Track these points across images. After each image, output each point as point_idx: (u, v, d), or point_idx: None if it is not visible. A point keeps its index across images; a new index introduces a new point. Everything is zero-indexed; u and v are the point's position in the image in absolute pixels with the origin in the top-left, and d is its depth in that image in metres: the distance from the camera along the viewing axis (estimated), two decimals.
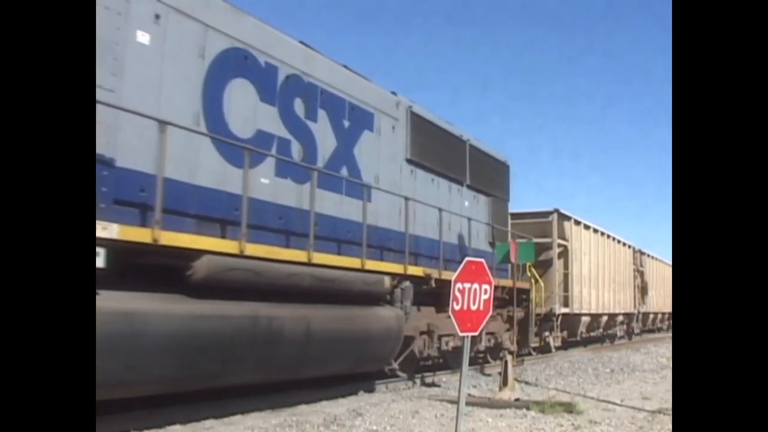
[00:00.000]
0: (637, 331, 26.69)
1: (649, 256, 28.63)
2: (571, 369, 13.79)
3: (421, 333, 10.69)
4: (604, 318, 21.54)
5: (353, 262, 8.70)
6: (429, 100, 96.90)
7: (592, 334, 20.99)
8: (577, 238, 18.89)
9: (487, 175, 13.54)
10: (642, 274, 27.06)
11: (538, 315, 15.61)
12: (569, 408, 7.77)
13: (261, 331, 7.11)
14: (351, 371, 9.29)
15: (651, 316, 29.66)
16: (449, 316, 10.74)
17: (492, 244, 13.24)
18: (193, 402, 7.18)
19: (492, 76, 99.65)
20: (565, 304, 17.87)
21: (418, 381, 10.97)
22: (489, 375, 12.52)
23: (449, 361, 12.29)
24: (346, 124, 9.37)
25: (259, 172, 7.61)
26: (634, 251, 26.10)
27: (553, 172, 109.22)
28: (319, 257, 8.01)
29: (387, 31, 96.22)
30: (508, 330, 13.72)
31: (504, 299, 13.30)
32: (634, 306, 25.54)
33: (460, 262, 10.20)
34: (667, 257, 31.91)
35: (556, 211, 17.99)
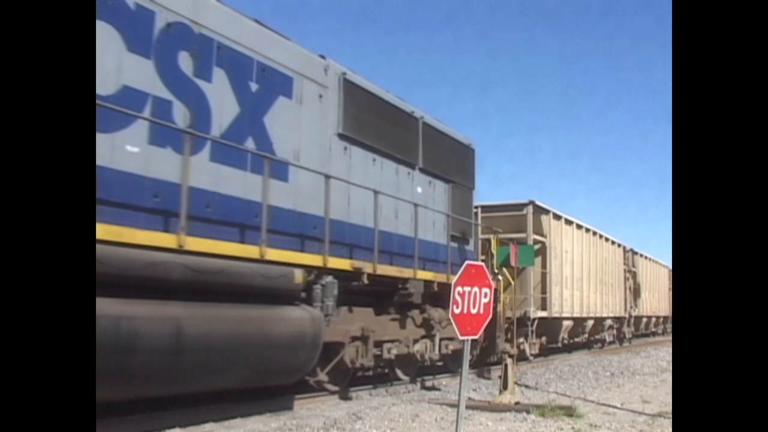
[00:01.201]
0: (628, 336, 25.37)
1: (641, 256, 27.10)
2: (571, 372, 13.78)
3: (354, 339, 9.05)
4: (590, 322, 19.92)
5: (246, 250, 7.08)
6: (429, 100, 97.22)
7: (576, 339, 19.41)
8: (557, 233, 17.15)
9: (447, 159, 11.78)
10: (634, 275, 25.69)
11: (508, 319, 13.68)
12: (569, 412, 7.78)
13: (102, 335, 5.20)
14: (249, 385, 7.67)
15: (644, 319, 28.08)
16: (395, 319, 10.11)
17: (453, 237, 11.71)
18: (193, 405, 7.18)
19: (492, 76, 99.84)
20: (543, 307, 16.13)
21: (418, 384, 10.96)
22: (489, 379, 12.51)
23: (393, 373, 10.93)
24: (254, 87, 7.73)
25: (123, 137, 6.08)
26: (625, 251, 24.71)
27: (553, 172, 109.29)
28: (195, 243, 6.42)
29: (387, 31, 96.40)
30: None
31: None
32: (625, 309, 24.21)
33: (412, 256, 10.10)
34: (666, 258, 31.52)
35: (531, 203, 15.96)
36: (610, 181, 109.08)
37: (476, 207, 14.09)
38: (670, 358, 16.85)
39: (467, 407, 7.22)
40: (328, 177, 8.35)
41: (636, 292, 25.77)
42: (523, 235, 15.58)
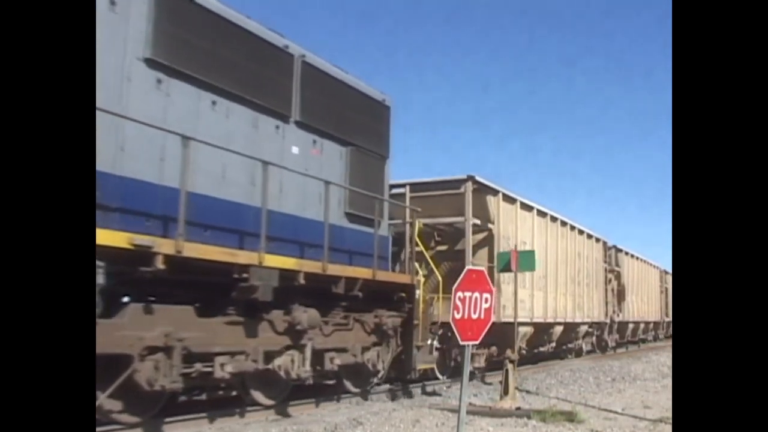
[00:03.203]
0: (612, 343, 22.64)
1: (627, 254, 24.17)
2: (572, 378, 13.76)
3: (150, 351, 6.23)
4: (558, 329, 16.71)
5: None
6: (429, 100, 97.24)
7: (540, 349, 16.32)
8: (510, 220, 13.96)
9: (343, 115, 9.25)
10: (618, 275, 22.82)
11: (434, 324, 11.05)
12: (570, 417, 7.77)
13: None
14: None
15: (630, 325, 24.92)
16: (236, 323, 7.14)
17: (354, 217, 9.26)
18: (194, 412, 7.17)
19: (492, 76, 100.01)
20: None
21: (419, 390, 10.94)
22: (490, 384, 12.49)
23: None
24: None
25: None
26: (607, 247, 21.63)
27: (553, 172, 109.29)
28: None
29: (387, 31, 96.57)
30: (375, 344, 9.50)
31: (373, 300, 9.31)
32: (606, 314, 21.19)
33: (286, 240, 7.71)
34: (660, 258, 30.20)
35: (470, 178, 12.54)
36: (610, 181, 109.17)
37: (403, 185, 12.44)
38: (671, 363, 16.81)
39: (468, 412, 7.22)
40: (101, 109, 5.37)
41: (620, 295, 23.02)
42: (461, 219, 12.53)
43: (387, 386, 10.61)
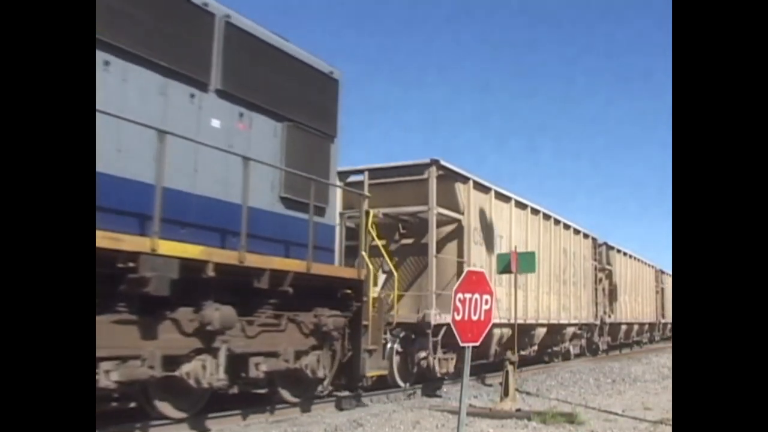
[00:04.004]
0: (603, 346, 21.42)
1: (619, 251, 22.99)
2: (572, 379, 13.76)
3: None
4: (541, 331, 15.33)
5: None
6: (429, 101, 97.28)
7: (521, 352, 14.08)
8: (485, 210, 12.61)
9: (278, 85, 8.04)
10: (609, 274, 21.75)
11: (389, 325, 9.92)
12: (571, 418, 7.77)
13: None
14: None
15: (623, 327, 23.54)
16: (125, 322, 5.96)
17: (293, 203, 7.97)
18: (193, 414, 7.16)
19: (492, 76, 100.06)
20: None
21: (419, 391, 10.94)
22: (490, 385, 12.49)
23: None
24: None
25: None
26: (597, 244, 20.34)
27: (553, 172, 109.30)
28: None
29: (387, 31, 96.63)
30: (315, 348, 8.26)
31: (312, 297, 8.16)
32: (596, 315, 19.89)
33: (201, 226, 6.66)
34: (660, 258, 29.63)
35: (435, 163, 11.12)
36: (610, 181, 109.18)
37: (362, 170, 11.31)
38: (671, 365, 16.80)
39: (468, 414, 7.21)
40: None
41: (612, 295, 21.91)
42: (424, 208, 11.06)
43: (335, 396, 9.21)
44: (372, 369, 8.94)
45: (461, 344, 5.92)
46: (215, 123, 7.23)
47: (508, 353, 12.18)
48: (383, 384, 10.30)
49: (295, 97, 8.25)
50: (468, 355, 6.05)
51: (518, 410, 8.60)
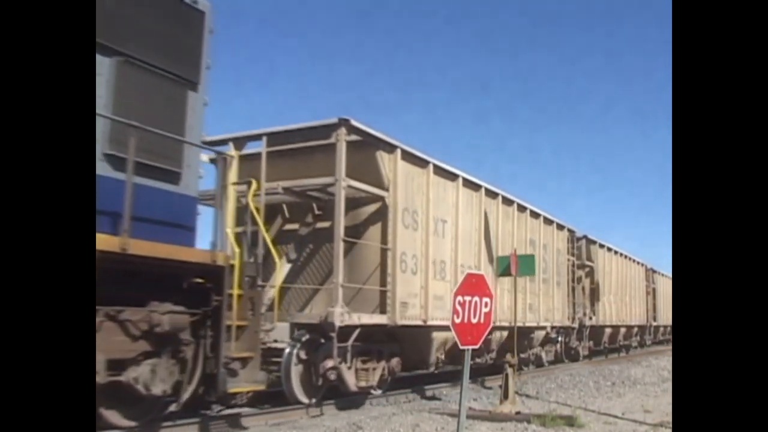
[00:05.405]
0: (584, 352, 19.15)
1: (602, 246, 20.48)
2: (572, 382, 13.75)
3: None
4: (499, 334, 12.95)
5: None
6: (429, 101, 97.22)
7: (478, 359, 12.39)
8: (418, 188, 10.21)
9: (107, 7, 5.80)
10: (591, 271, 19.50)
11: (267, 327, 8.04)
12: (570, 421, 7.77)
13: None
14: None
15: (607, 330, 21.20)
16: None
17: (118, 161, 5.73)
18: (193, 416, 7.16)
19: (492, 76, 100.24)
20: (382, 309, 9.32)
21: (418, 394, 10.93)
22: (490, 388, 12.47)
23: None
24: None
25: None
26: (574, 237, 17.82)
27: (553, 172, 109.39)
28: None
29: (387, 31, 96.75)
30: (149, 355, 6.15)
31: (149, 288, 6.15)
32: (574, 317, 17.75)
33: None
34: (661, 259, 28.67)
35: (344, 123, 8.73)
36: (610, 181, 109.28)
37: (259, 135, 8.98)
38: (671, 367, 16.78)
39: (468, 417, 7.21)
40: None
41: (594, 295, 19.64)
42: (330, 180, 8.80)
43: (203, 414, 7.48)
44: (239, 383, 6.76)
45: (461, 347, 5.95)
46: None
47: (508, 356, 12.16)
48: (282, 400, 8.49)
49: (134, 27, 6.23)
50: (467, 358, 6.06)
51: (518, 413, 8.59)
